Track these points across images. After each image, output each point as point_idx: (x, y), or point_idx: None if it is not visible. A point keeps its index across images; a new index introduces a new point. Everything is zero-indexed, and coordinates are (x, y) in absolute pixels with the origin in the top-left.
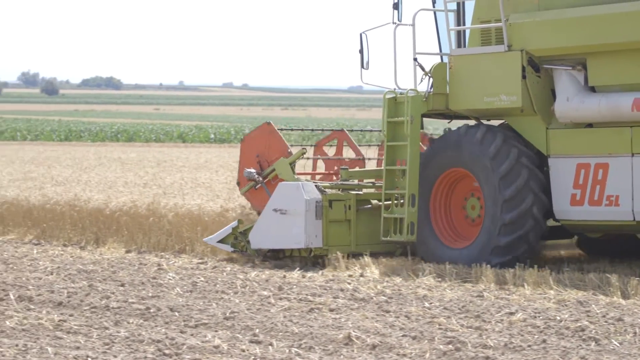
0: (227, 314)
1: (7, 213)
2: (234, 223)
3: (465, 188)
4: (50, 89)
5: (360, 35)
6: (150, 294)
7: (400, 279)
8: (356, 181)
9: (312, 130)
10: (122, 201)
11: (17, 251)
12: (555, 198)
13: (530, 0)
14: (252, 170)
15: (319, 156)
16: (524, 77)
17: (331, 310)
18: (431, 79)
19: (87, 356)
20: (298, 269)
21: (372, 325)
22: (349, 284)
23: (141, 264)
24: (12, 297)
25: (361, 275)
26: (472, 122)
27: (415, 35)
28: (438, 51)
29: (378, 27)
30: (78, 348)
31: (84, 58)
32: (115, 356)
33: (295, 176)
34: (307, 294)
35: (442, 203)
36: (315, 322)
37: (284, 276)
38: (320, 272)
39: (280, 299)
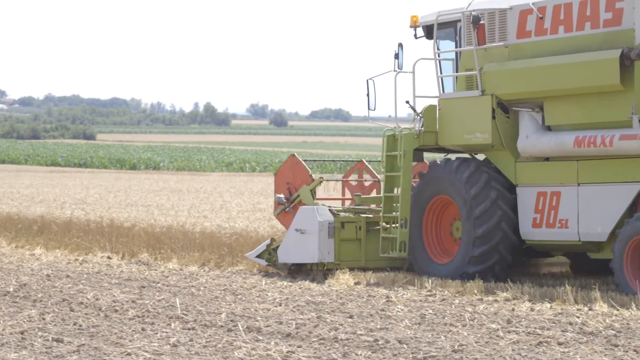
0: (456, 347)
1: (236, 244)
2: (268, 241)
3: (451, 213)
4: (279, 120)
5: (367, 81)
6: (378, 326)
7: (629, 312)
8: (374, 206)
9: (333, 161)
10: None
11: (246, 282)
12: (521, 221)
13: (502, 51)
14: (281, 195)
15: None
16: (493, 117)
17: (560, 343)
18: (422, 119)
19: None
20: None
21: None
22: (578, 317)
23: (370, 295)
24: (240, 327)
25: (590, 309)
26: (466, 155)
27: (415, 81)
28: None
29: (382, 75)
30: None
31: (312, 90)
32: None
33: (315, 201)
34: (535, 327)
35: (432, 225)
36: (543, 355)
37: (513, 309)
38: (549, 305)
39: (509, 332)
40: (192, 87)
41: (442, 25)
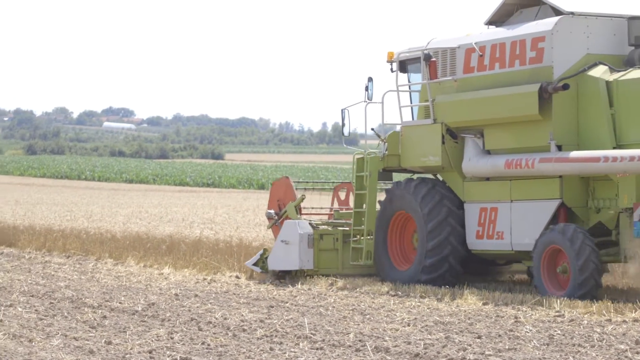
0: None
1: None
2: (261, 251)
3: (412, 226)
4: None
5: (342, 110)
6: (506, 347)
7: None
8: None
9: (324, 182)
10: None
11: (374, 302)
12: (467, 233)
13: (452, 85)
14: (272, 211)
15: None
16: (443, 142)
17: None
18: (386, 144)
19: None
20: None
21: None
22: None
23: (498, 316)
24: (368, 347)
25: None
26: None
27: (383, 111)
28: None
29: (355, 105)
30: None
31: None
32: None
33: (298, 215)
34: None
35: (396, 236)
36: None
37: None
38: None
39: (637, 353)
40: (320, 106)
41: (412, 60)
